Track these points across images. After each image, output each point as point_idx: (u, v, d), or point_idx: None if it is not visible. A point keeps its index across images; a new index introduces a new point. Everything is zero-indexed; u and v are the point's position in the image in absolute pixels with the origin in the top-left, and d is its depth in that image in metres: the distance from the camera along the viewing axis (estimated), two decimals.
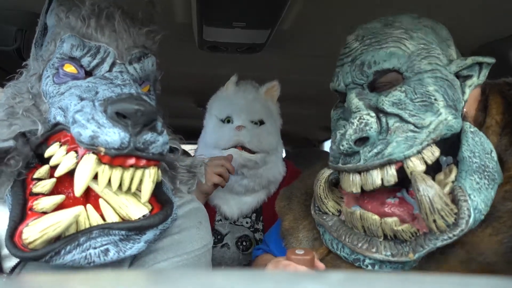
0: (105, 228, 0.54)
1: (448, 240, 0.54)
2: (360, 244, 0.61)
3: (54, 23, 0.67)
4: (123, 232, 0.55)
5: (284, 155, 2.95)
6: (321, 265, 0.62)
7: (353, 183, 0.62)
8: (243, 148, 1.12)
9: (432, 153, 0.59)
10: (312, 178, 0.86)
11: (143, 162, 0.56)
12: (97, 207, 0.58)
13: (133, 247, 0.56)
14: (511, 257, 0.52)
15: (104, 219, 0.57)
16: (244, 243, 1.22)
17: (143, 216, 0.58)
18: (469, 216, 0.54)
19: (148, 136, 0.54)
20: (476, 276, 0.21)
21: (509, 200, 0.56)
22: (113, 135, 0.52)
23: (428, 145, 0.58)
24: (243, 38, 0.93)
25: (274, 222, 1.15)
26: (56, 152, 0.58)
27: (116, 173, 0.55)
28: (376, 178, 0.59)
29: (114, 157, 0.53)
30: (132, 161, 0.55)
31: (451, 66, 0.63)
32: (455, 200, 0.56)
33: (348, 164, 0.62)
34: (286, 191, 0.88)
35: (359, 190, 0.61)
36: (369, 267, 0.60)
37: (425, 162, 0.58)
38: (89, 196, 0.60)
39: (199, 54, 1.04)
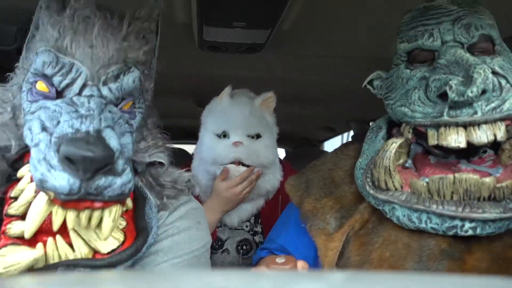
0: (71, 265, 0.53)
1: None
2: (460, 209, 0.58)
3: (39, 26, 0.63)
4: (88, 269, 0.54)
5: (283, 155, 2.94)
6: (303, 266, 0.62)
7: (459, 137, 0.60)
8: (241, 163, 1.12)
9: None
10: (327, 165, 0.84)
11: (99, 204, 0.53)
12: (66, 236, 0.56)
13: None
14: None
15: (73, 250, 0.55)
16: (244, 247, 1.22)
17: (112, 250, 0.56)
18: None
19: (101, 181, 0.51)
20: (476, 276, 0.21)
21: None
22: (62, 181, 0.49)
23: None
24: (243, 38, 0.93)
25: (272, 222, 1.15)
26: (25, 174, 0.56)
27: (70, 214, 0.52)
28: (490, 133, 0.59)
29: (66, 201, 0.51)
30: (86, 204, 0.52)
31: None
32: None
33: (459, 117, 0.60)
34: (300, 182, 0.85)
35: (465, 145, 0.60)
36: (470, 231, 0.59)
37: None
38: (64, 222, 0.58)
39: (199, 54, 1.04)
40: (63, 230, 0.56)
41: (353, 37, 0.99)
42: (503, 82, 0.61)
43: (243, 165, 1.13)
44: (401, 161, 0.68)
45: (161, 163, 0.68)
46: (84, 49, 0.58)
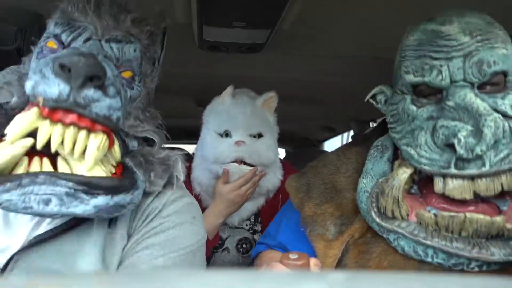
0: (53, 176, 0.52)
1: None
2: (469, 248, 0.57)
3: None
4: (70, 185, 0.52)
5: (283, 155, 2.94)
6: (316, 264, 0.61)
7: (465, 189, 0.58)
8: (243, 161, 1.13)
9: None
10: (329, 168, 0.83)
11: (85, 121, 0.53)
12: (54, 165, 0.55)
13: (78, 207, 0.52)
14: None
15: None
16: (244, 246, 1.23)
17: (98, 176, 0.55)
18: None
19: (90, 92, 0.52)
20: (476, 276, 0.21)
21: None
22: (53, 85, 0.51)
23: None
24: (243, 38, 0.93)
25: (271, 220, 1.18)
26: None
27: (57, 130, 0.53)
28: (497, 183, 0.57)
29: (53, 110, 0.52)
30: (72, 117, 0.52)
31: None
32: None
33: (466, 169, 0.57)
34: (301, 184, 0.85)
35: (472, 196, 0.58)
36: (476, 269, 0.58)
37: None
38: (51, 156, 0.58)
39: (199, 54, 1.04)
40: (51, 163, 0.56)
41: (353, 37, 0.99)
42: None
43: (245, 163, 1.13)
44: (406, 186, 0.67)
45: (150, 143, 0.70)
46: (92, 15, 0.63)
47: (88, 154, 0.55)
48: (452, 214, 0.59)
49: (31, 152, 0.56)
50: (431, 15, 0.73)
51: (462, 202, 0.61)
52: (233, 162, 1.12)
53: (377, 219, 0.66)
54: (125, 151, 0.67)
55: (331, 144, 2.94)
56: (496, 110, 0.59)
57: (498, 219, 0.57)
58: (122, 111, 0.58)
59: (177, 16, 0.89)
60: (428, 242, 0.60)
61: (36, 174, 0.52)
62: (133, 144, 0.69)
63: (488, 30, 0.62)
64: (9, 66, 0.87)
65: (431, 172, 0.62)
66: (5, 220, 0.61)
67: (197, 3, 0.77)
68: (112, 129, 0.57)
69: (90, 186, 0.53)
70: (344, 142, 2.77)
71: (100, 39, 0.64)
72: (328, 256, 0.69)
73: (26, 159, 0.55)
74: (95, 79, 0.54)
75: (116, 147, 0.61)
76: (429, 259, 0.61)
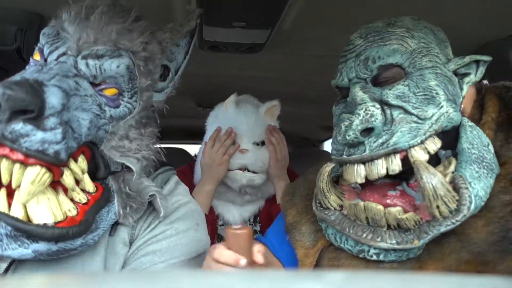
0: None
1: (451, 225, 0.57)
2: (364, 235, 0.62)
3: None
4: (9, 228, 0.51)
5: None
6: (259, 249, 0.61)
7: (357, 173, 0.63)
8: (246, 169, 1.17)
9: (435, 144, 0.61)
10: (315, 175, 0.87)
11: (17, 156, 0.51)
12: (12, 196, 0.55)
13: (16, 250, 0.52)
14: (501, 246, 0.54)
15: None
16: None
17: (44, 224, 0.54)
18: (470, 202, 0.56)
19: (17, 126, 0.50)
20: (476, 276, 0.21)
21: (502, 194, 0.59)
22: None
23: (430, 136, 0.61)
24: (243, 38, 0.93)
25: (269, 220, 1.19)
26: None
27: None
28: (381, 167, 0.61)
29: None
30: (4, 150, 0.51)
31: (450, 64, 0.66)
32: (456, 188, 0.58)
33: (353, 155, 0.63)
34: (290, 187, 0.90)
35: (363, 180, 0.63)
36: (374, 257, 0.62)
37: (428, 153, 0.61)
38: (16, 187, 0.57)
39: (199, 54, 1.04)
40: (12, 193, 0.55)
41: None
42: (396, 113, 0.62)
43: (248, 171, 1.17)
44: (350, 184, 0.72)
45: (130, 170, 0.66)
46: (77, 26, 0.61)
47: (22, 187, 0.52)
48: (355, 202, 0.65)
49: None
50: (432, 15, 0.73)
51: (384, 195, 0.65)
52: (238, 169, 1.16)
53: (314, 208, 0.73)
54: (109, 171, 0.65)
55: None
56: (381, 100, 0.63)
57: (393, 209, 0.60)
58: (65, 144, 0.54)
59: (177, 15, 0.89)
60: (338, 227, 0.66)
61: None
62: (116, 166, 0.66)
63: (384, 30, 0.67)
64: (9, 66, 0.87)
65: (334, 160, 0.69)
66: None
67: (197, 3, 0.77)
68: (51, 163, 0.54)
69: (28, 234, 0.52)
70: None
71: (75, 55, 0.61)
72: (304, 264, 0.73)
73: None
74: (28, 112, 0.50)
75: (67, 178, 0.58)
76: (342, 245, 0.66)
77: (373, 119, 0.61)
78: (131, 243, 0.65)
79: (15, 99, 0.49)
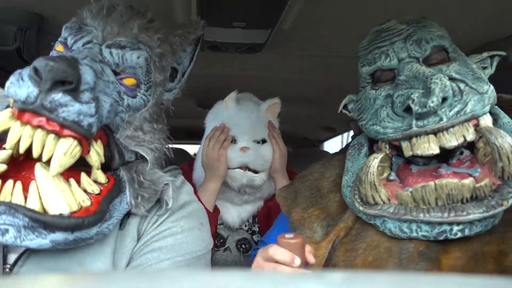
0: (12, 208, 0.52)
1: None
2: (446, 214, 0.60)
3: None
4: (27, 219, 0.52)
5: None
6: (310, 250, 0.63)
7: (430, 144, 0.63)
8: (247, 167, 1.16)
9: (489, 118, 0.65)
10: (314, 175, 0.88)
11: (53, 126, 0.53)
12: (27, 189, 0.56)
13: (34, 240, 0.53)
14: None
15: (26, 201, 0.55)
16: (243, 246, 1.25)
17: (60, 214, 0.54)
18: None
19: (57, 96, 0.52)
20: (476, 276, 0.21)
21: None
22: (23, 88, 0.51)
23: (490, 108, 0.65)
24: (243, 38, 0.93)
25: (267, 220, 1.21)
26: None
27: (26, 131, 0.53)
28: (459, 135, 0.62)
29: (22, 112, 0.52)
30: (39, 119, 0.52)
31: (472, 59, 0.72)
32: None
33: (426, 126, 0.63)
34: (289, 191, 0.89)
35: (438, 151, 0.63)
36: (459, 234, 0.60)
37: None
38: (28, 177, 0.58)
39: (199, 54, 1.03)
40: (27, 183, 0.56)
41: (353, 37, 0.99)
42: (462, 86, 0.65)
43: (249, 169, 1.16)
44: (385, 174, 0.72)
45: (144, 160, 0.68)
46: (101, 20, 0.65)
47: (54, 158, 0.54)
48: (423, 184, 0.63)
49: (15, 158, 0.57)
50: (432, 15, 0.73)
51: (436, 177, 0.65)
52: (238, 167, 1.15)
53: (361, 208, 0.69)
54: (122, 161, 0.66)
55: (331, 144, 2.94)
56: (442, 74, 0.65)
57: (467, 181, 0.60)
58: (97, 118, 0.57)
59: (177, 16, 0.89)
60: (409, 217, 0.63)
61: None
62: (130, 156, 0.68)
63: (423, 21, 0.72)
64: (9, 66, 0.87)
65: (396, 137, 0.67)
66: None
67: (197, 3, 0.77)
68: (83, 136, 0.56)
69: (45, 225, 0.53)
70: (344, 142, 2.77)
71: (100, 43, 0.64)
72: (316, 256, 0.71)
73: None
74: (67, 83, 0.53)
75: (94, 155, 0.60)
76: (414, 234, 0.63)
77: (447, 88, 0.62)
78: (138, 239, 0.66)
79: (58, 70, 0.51)
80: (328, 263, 0.70)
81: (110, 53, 0.64)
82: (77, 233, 0.56)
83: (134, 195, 0.64)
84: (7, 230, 0.52)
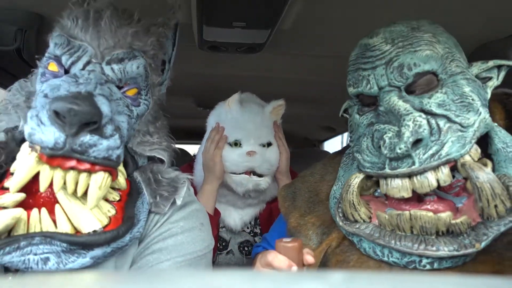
0: (48, 237, 0.53)
1: (510, 224, 0.55)
2: (416, 245, 0.59)
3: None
4: (65, 245, 0.53)
5: None
6: (308, 251, 0.63)
7: (403, 187, 0.61)
8: (252, 172, 1.14)
9: (476, 150, 0.61)
10: (315, 176, 0.87)
11: (85, 165, 0.54)
12: (53, 212, 0.56)
13: (76, 261, 0.54)
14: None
15: (56, 226, 0.56)
16: (246, 248, 1.24)
17: (94, 231, 0.56)
18: None
19: (86, 138, 0.53)
20: (476, 276, 0.21)
21: None
22: (48, 134, 0.51)
23: (474, 143, 0.60)
24: (243, 38, 0.93)
25: (269, 222, 1.19)
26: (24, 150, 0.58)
27: (58, 174, 0.54)
28: (432, 179, 0.59)
29: (51, 158, 0.52)
30: (71, 163, 0.53)
31: (472, 69, 0.66)
32: (504, 187, 0.57)
33: (398, 169, 0.60)
34: (288, 191, 0.89)
35: (410, 194, 0.61)
36: (427, 266, 0.59)
37: (472, 159, 0.60)
38: (49, 200, 0.59)
39: (199, 54, 1.04)
40: (51, 206, 0.57)
41: (353, 37, 0.99)
42: (442, 122, 0.60)
43: (254, 174, 1.14)
44: (371, 190, 0.70)
45: (161, 161, 0.70)
46: (92, 33, 0.62)
47: (90, 194, 0.56)
48: (399, 212, 0.61)
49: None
50: (431, 15, 0.73)
51: (419, 201, 0.63)
52: (243, 172, 1.13)
53: (341, 223, 0.69)
54: (135, 167, 0.68)
55: (331, 144, 2.94)
56: (422, 110, 0.61)
57: (443, 215, 0.58)
58: (122, 147, 0.59)
59: (177, 16, 0.89)
60: (381, 242, 0.62)
61: (32, 236, 0.53)
62: (143, 161, 0.69)
63: (411, 35, 0.64)
64: (9, 66, 0.86)
65: (371, 174, 0.65)
66: None
67: (197, 3, 0.77)
68: (113, 168, 0.58)
69: (83, 245, 0.54)
70: (344, 142, 2.77)
71: (100, 62, 0.62)
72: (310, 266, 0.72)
73: (25, 216, 0.55)
74: (91, 123, 0.53)
75: (121, 178, 0.62)
76: (385, 259, 0.63)
77: (421, 129, 0.58)
78: (140, 242, 0.66)
79: (83, 113, 0.51)
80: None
81: (112, 69, 0.63)
82: (113, 244, 0.57)
83: (152, 195, 0.66)
84: (48, 259, 0.53)
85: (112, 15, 0.64)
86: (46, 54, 0.64)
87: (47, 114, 0.52)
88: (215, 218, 1.15)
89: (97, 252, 0.56)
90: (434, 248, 0.57)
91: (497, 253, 0.57)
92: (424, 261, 0.59)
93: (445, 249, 0.57)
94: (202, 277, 0.20)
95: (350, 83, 0.71)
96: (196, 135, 1.39)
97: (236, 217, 1.22)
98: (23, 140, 0.61)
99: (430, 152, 0.59)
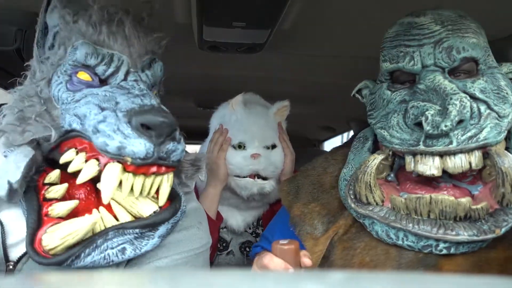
0: (120, 229, 0.57)
1: None
2: (435, 229, 0.59)
3: (58, 24, 0.66)
4: (137, 230, 0.58)
5: None
6: (306, 254, 0.63)
7: (434, 165, 0.61)
8: (256, 175, 1.11)
9: (504, 141, 0.63)
10: (318, 170, 0.86)
11: (163, 169, 0.59)
12: (109, 209, 0.60)
13: (148, 243, 0.59)
14: None
15: (117, 219, 0.59)
16: (247, 249, 1.23)
17: (154, 212, 0.60)
18: None
19: (170, 146, 0.58)
20: (476, 276, 0.21)
21: None
22: (139, 146, 0.55)
23: (506, 133, 0.62)
24: (243, 38, 0.93)
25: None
26: (74, 158, 0.59)
27: (139, 180, 0.58)
28: (465, 161, 0.59)
29: (139, 166, 0.56)
30: (154, 169, 0.58)
31: (503, 68, 0.68)
32: None
33: (434, 146, 0.60)
34: (291, 187, 0.87)
35: (440, 173, 0.61)
36: (444, 251, 0.60)
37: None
38: (100, 199, 0.60)
39: (199, 54, 1.04)
40: (99, 204, 0.60)
41: (353, 37, 0.99)
42: (483, 108, 0.61)
43: (259, 177, 1.12)
44: (384, 174, 0.70)
45: None
46: (121, 40, 0.64)
47: (163, 193, 0.61)
48: (419, 195, 0.61)
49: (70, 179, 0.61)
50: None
51: (435, 187, 0.64)
52: (248, 176, 1.11)
53: (353, 205, 0.68)
54: None
55: (331, 144, 2.94)
56: (465, 92, 0.62)
57: (464, 200, 0.58)
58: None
59: (177, 16, 0.89)
60: (397, 225, 0.62)
61: (106, 232, 0.57)
62: None
63: (459, 21, 0.66)
64: (9, 66, 0.86)
65: (401, 150, 0.65)
66: (24, 213, 0.61)
67: (197, 3, 0.77)
68: (177, 167, 0.64)
69: (153, 225, 0.60)
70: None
71: (137, 71, 0.65)
72: (314, 252, 0.71)
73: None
74: (172, 133, 0.59)
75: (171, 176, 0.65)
76: (399, 242, 0.63)
77: (465, 111, 0.59)
78: None
79: (171, 125, 0.57)
80: (326, 260, 0.70)
81: (147, 75, 0.66)
82: (171, 220, 0.62)
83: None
84: (124, 249, 0.57)
85: (131, 20, 0.66)
86: (70, 62, 0.62)
87: (129, 128, 0.55)
88: (217, 223, 1.13)
89: (162, 230, 0.61)
90: (453, 233, 0.58)
91: (508, 239, 0.58)
92: (441, 245, 0.59)
93: (465, 234, 0.57)
94: (202, 277, 0.20)
95: (386, 58, 0.70)
96: (196, 135, 1.39)
97: (239, 218, 1.20)
98: (51, 150, 0.62)
99: (469, 134, 0.59)
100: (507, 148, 0.64)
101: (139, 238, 0.58)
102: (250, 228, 1.25)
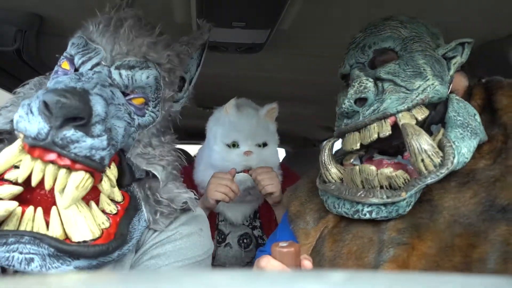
0: (37, 238, 0.53)
1: (435, 178, 0.62)
2: (359, 194, 0.68)
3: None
4: (52, 250, 0.53)
5: (283, 155, 2.97)
6: (306, 257, 0.62)
7: (353, 140, 0.70)
8: (250, 170, 1.20)
9: (422, 113, 0.67)
10: (314, 170, 0.91)
11: (65, 161, 0.52)
12: (48, 213, 0.56)
13: (60, 268, 0.54)
14: (489, 215, 0.59)
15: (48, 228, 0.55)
16: (245, 241, 1.31)
17: (83, 241, 0.55)
18: (453, 156, 0.62)
19: (69, 132, 0.51)
20: (476, 276, 0.21)
21: (487, 170, 0.64)
22: (33, 123, 0.51)
23: (417, 104, 0.67)
24: (243, 38, 0.93)
25: (268, 215, 1.26)
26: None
27: (37, 166, 0.53)
28: (373, 131, 0.67)
29: (33, 147, 0.52)
30: (51, 156, 0.52)
31: (439, 50, 0.73)
32: (441, 147, 0.64)
33: (349, 124, 0.71)
34: (291, 189, 0.93)
35: (358, 146, 0.70)
36: (367, 215, 0.67)
37: (416, 119, 0.66)
38: (47, 200, 0.58)
39: None
40: (48, 205, 0.56)
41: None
42: (387, 85, 0.69)
43: None
44: (352, 160, 0.78)
45: (155, 177, 0.68)
46: (109, 38, 0.63)
47: (66, 192, 0.54)
48: (352, 167, 0.71)
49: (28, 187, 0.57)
50: (431, 14, 0.73)
51: (380, 164, 0.72)
52: (242, 171, 1.20)
53: (318, 184, 0.79)
54: (133, 178, 0.66)
55: None
56: (374, 77, 0.71)
57: (385, 170, 0.66)
58: (109, 150, 0.56)
59: (177, 16, 0.89)
60: (336, 193, 0.72)
61: (22, 234, 0.53)
62: (140, 173, 0.67)
63: (381, 23, 0.75)
64: (9, 66, 0.86)
65: (335, 134, 0.77)
66: None
67: (196, 3, 0.77)
68: (95, 169, 0.55)
69: (71, 254, 0.54)
70: None
71: (109, 66, 0.62)
72: (304, 244, 0.76)
73: (19, 211, 0.54)
74: (78, 119, 0.52)
75: (105, 184, 0.59)
76: (339, 210, 0.71)
77: (365, 90, 0.68)
78: (137, 250, 0.66)
79: (70, 107, 0.50)
80: (317, 253, 0.74)
81: (120, 74, 0.63)
82: (100, 258, 0.56)
83: (152, 211, 0.65)
84: (32, 259, 0.52)
85: (133, 24, 0.65)
86: (64, 53, 0.66)
87: (38, 104, 0.51)
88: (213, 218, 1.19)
89: (82, 262, 0.55)
90: (371, 196, 0.66)
91: (476, 227, 0.60)
92: (365, 209, 0.67)
93: (378, 196, 0.66)
94: (202, 277, 0.20)
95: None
96: (196, 135, 1.40)
97: (237, 211, 1.28)
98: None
99: (372, 108, 0.68)
100: (444, 124, 0.68)
101: (53, 258, 0.53)
102: (247, 221, 1.33)
